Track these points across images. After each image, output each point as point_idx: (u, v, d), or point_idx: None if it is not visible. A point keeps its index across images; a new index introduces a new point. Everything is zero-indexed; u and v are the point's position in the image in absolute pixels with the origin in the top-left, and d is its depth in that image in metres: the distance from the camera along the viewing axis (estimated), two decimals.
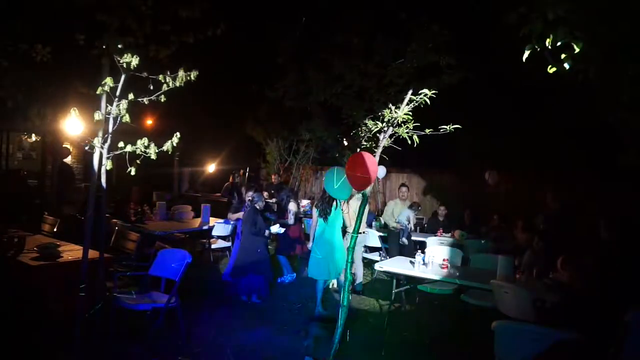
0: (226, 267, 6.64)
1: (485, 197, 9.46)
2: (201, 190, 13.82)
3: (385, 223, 7.95)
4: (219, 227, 7.93)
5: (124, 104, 3.99)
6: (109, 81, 3.92)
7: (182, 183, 14.70)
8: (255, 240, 6.28)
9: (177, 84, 4.06)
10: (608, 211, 7.32)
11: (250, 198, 6.54)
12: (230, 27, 4.74)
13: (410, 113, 4.51)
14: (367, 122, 4.62)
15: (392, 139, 4.65)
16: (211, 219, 8.07)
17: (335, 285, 6.88)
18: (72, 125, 5.09)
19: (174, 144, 4.10)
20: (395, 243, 7.52)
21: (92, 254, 4.31)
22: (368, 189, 4.69)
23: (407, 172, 11.28)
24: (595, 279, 4.56)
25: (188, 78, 4.08)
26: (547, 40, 3.05)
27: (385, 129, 4.53)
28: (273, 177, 11.32)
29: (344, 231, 6.40)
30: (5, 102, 4.29)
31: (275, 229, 6.54)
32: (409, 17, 4.35)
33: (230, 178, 10.85)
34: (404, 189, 7.88)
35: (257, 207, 6.38)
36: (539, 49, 3.11)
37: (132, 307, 4.49)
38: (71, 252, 5.12)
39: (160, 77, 4.06)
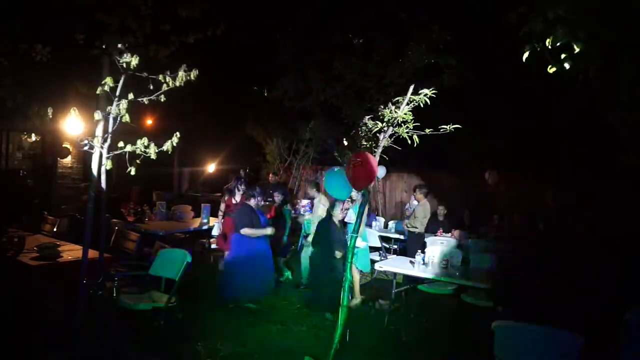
0: (232, 280, 5.95)
1: (485, 197, 9.46)
2: (201, 190, 13.82)
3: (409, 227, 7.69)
4: (219, 227, 7.92)
5: (123, 103, 4.00)
6: (109, 81, 3.92)
7: (182, 183, 14.69)
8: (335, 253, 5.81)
9: (177, 84, 4.06)
10: (608, 211, 7.34)
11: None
12: (230, 27, 4.73)
13: (411, 113, 4.52)
14: (367, 122, 4.63)
15: (392, 139, 4.66)
16: (211, 218, 8.07)
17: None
18: (72, 125, 5.10)
19: (174, 144, 4.10)
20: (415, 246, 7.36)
21: (92, 253, 4.31)
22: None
23: (407, 172, 11.28)
24: (595, 278, 4.57)
25: (188, 78, 4.08)
26: (547, 40, 3.05)
27: (385, 129, 4.54)
28: (270, 176, 11.27)
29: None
30: (5, 102, 4.28)
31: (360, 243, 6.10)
32: (409, 17, 4.34)
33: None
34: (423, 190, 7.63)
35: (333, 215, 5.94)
36: (539, 49, 3.11)
37: (132, 307, 4.50)
38: (71, 252, 5.12)
39: (160, 77, 4.06)
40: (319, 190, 7.46)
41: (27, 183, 10.34)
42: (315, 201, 7.37)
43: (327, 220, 6.04)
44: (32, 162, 10.68)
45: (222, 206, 7.10)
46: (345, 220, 7.67)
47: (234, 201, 6.92)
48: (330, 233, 5.84)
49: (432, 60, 4.34)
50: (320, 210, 7.21)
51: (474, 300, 5.42)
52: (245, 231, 5.83)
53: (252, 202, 6.06)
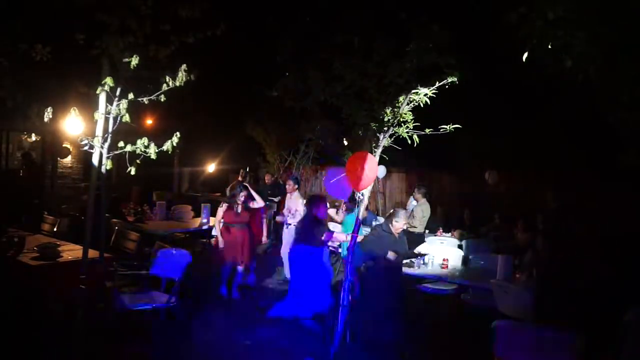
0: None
1: (485, 197, 9.47)
2: (201, 190, 13.82)
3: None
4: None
5: (123, 103, 4.00)
6: (108, 81, 3.92)
7: (182, 183, 14.69)
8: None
9: (177, 84, 4.06)
10: (608, 211, 7.34)
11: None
12: (230, 27, 4.73)
13: (411, 113, 4.52)
14: (367, 122, 4.63)
15: (392, 139, 4.66)
16: (211, 218, 8.07)
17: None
18: (72, 125, 5.10)
19: (174, 144, 4.10)
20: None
21: (92, 253, 4.31)
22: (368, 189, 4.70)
23: (407, 172, 11.28)
24: (595, 278, 4.57)
25: (188, 78, 4.08)
26: (547, 40, 3.05)
27: (385, 128, 4.54)
28: (267, 177, 11.22)
29: None
30: (5, 102, 4.28)
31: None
32: (409, 17, 4.35)
33: (240, 177, 10.56)
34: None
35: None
36: (539, 49, 3.11)
37: (132, 307, 4.50)
38: (71, 251, 5.12)
39: (161, 77, 4.07)
40: (298, 185, 7.41)
41: (27, 183, 10.35)
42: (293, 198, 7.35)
43: (387, 237, 5.23)
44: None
45: (220, 212, 6.40)
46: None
47: (235, 211, 6.34)
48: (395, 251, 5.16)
49: (432, 60, 4.34)
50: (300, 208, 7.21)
51: (474, 300, 5.41)
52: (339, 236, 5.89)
53: (320, 213, 5.54)
